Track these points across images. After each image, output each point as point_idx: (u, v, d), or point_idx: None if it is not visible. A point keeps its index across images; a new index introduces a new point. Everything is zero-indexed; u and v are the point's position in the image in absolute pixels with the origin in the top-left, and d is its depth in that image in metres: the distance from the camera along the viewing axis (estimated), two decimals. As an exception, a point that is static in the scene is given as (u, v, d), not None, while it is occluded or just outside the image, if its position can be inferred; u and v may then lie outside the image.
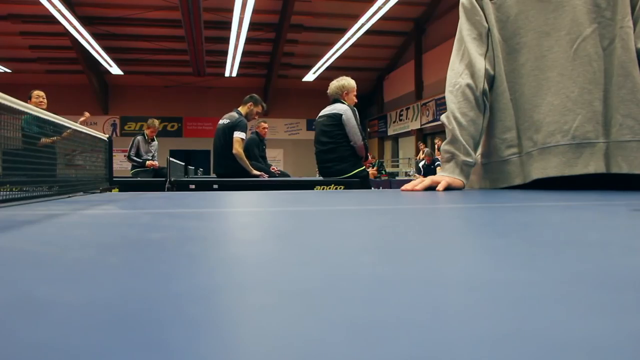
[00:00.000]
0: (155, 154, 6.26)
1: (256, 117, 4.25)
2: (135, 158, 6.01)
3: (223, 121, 4.06)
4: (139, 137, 6.15)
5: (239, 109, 4.12)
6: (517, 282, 0.24)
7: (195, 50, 13.06)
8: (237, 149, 3.92)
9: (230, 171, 3.94)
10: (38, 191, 1.16)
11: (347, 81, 3.66)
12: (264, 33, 13.75)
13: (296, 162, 16.92)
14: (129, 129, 16.46)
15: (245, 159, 3.98)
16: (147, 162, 6.02)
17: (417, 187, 1.25)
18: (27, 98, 4.31)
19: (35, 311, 0.19)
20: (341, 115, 3.49)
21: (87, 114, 4.52)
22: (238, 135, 3.92)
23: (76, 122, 1.57)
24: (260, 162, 4.71)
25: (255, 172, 4.03)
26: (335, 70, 11.92)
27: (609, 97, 1.20)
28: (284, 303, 0.21)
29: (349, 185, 3.49)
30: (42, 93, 4.48)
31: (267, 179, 4.07)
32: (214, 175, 4.28)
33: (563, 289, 0.23)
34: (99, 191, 1.67)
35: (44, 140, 1.31)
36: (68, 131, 1.53)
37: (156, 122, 6.36)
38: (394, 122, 16.34)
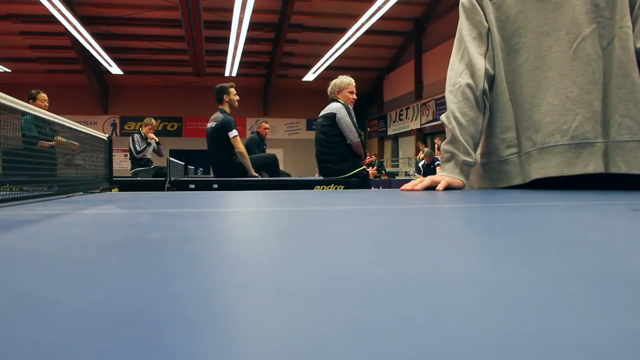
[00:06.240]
0: (151, 151, 6.24)
1: (237, 101, 4.12)
2: (140, 149, 5.99)
3: (210, 124, 4.06)
4: (137, 135, 6.15)
5: (221, 106, 4.10)
6: (517, 282, 0.24)
7: (195, 50, 13.05)
8: (239, 147, 3.93)
9: (227, 172, 3.95)
10: (38, 191, 1.16)
11: (339, 79, 3.69)
12: (263, 33, 13.74)
13: (296, 162, 16.90)
14: (128, 129, 16.43)
15: (248, 158, 3.99)
16: (149, 137, 6.01)
17: (417, 187, 1.25)
18: (28, 98, 4.30)
19: (35, 311, 0.19)
20: (335, 114, 3.51)
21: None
22: (232, 134, 3.92)
23: (76, 123, 1.57)
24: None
25: (255, 173, 4.04)
26: (335, 70, 11.90)
27: (608, 97, 1.20)
28: (284, 303, 0.21)
29: (348, 185, 3.49)
30: (46, 96, 4.50)
31: (267, 178, 4.08)
32: (213, 175, 4.29)
33: (563, 289, 0.23)
34: (98, 191, 1.67)
35: (44, 143, 1.32)
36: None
37: (153, 120, 6.35)
38: (394, 121, 16.33)
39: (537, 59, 1.26)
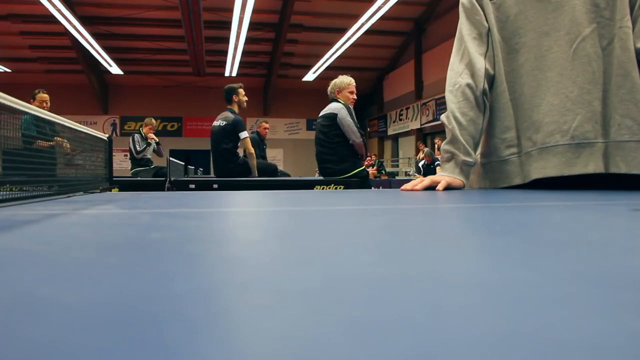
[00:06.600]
0: (151, 151, 6.23)
1: (245, 102, 4.16)
2: (140, 149, 5.98)
3: (218, 123, 4.04)
4: (137, 135, 6.14)
5: (230, 107, 4.10)
6: (517, 282, 0.24)
7: (195, 50, 13.05)
8: (249, 148, 3.99)
9: (230, 172, 3.96)
10: (38, 191, 1.16)
11: (339, 79, 3.69)
12: (263, 33, 13.73)
13: (296, 162, 16.90)
14: (128, 129, 16.42)
15: (255, 159, 4.05)
16: (149, 137, 6.01)
17: (417, 187, 1.25)
18: (30, 98, 4.27)
19: (35, 311, 0.19)
20: (336, 114, 3.50)
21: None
22: (243, 135, 3.96)
23: (76, 123, 1.57)
24: None
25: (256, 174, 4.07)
26: (335, 70, 11.88)
27: (608, 97, 1.20)
28: (284, 303, 0.21)
29: (349, 185, 3.49)
30: (46, 97, 4.40)
31: (267, 178, 4.08)
32: (214, 175, 4.29)
33: (563, 289, 0.23)
34: (98, 191, 1.67)
35: (42, 143, 1.32)
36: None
37: (153, 120, 6.35)
38: (394, 121, 16.33)
39: (537, 59, 1.26)
